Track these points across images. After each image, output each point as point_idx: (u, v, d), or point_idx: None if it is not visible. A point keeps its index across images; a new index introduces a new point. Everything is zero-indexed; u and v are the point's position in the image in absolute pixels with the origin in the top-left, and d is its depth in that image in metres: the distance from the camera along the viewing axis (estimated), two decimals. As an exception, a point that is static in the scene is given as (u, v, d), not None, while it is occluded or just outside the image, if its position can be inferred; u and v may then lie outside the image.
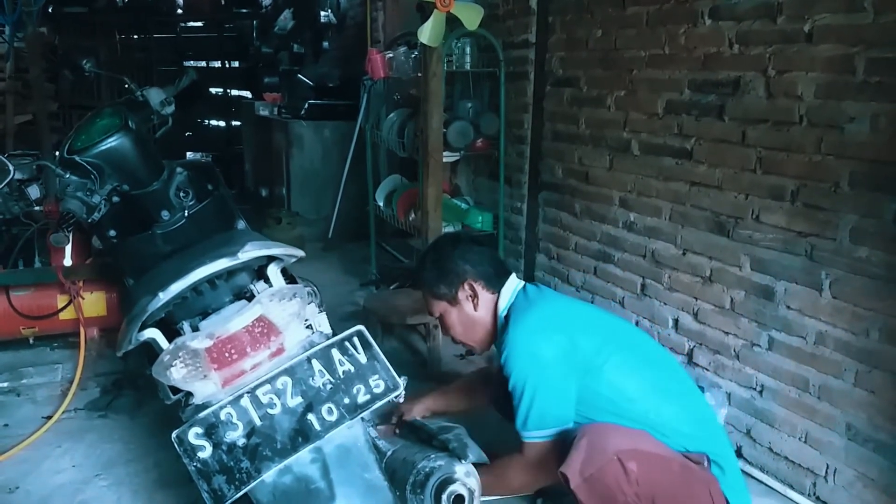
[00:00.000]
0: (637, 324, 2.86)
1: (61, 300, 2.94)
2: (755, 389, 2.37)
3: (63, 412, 2.66)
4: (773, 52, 2.20)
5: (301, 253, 1.78)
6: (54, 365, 3.10)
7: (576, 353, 1.87)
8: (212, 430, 1.50)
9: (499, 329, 2.03)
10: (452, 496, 1.40)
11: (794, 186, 2.17)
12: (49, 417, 2.64)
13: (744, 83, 2.30)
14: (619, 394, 1.87)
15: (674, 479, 1.77)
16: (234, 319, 1.58)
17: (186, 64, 8.97)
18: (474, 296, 2.03)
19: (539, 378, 1.85)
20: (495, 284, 2.05)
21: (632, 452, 1.70)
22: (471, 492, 1.41)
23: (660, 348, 2.23)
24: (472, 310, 2.04)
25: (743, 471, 2.34)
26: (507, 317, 2.00)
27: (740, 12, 2.31)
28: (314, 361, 1.60)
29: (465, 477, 1.41)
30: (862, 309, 2.01)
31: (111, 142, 1.91)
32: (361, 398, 1.60)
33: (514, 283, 2.07)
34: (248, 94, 8.31)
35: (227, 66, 9.26)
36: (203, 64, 9.40)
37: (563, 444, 1.81)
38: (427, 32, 3.07)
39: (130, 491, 2.27)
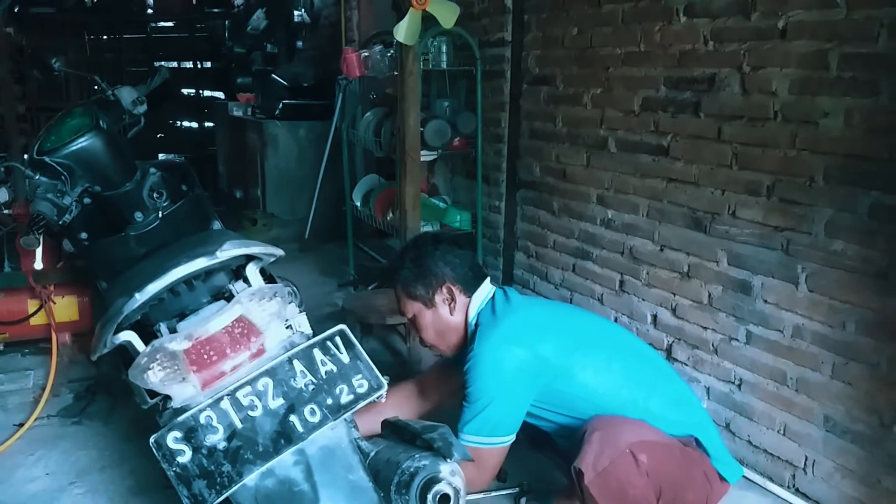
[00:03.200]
0: (616, 320, 2.88)
1: (32, 305, 2.85)
2: (734, 383, 2.39)
3: (35, 419, 2.60)
4: (747, 49, 2.22)
5: (280, 252, 1.75)
6: (26, 371, 3.02)
7: (540, 365, 1.88)
8: (191, 434, 1.47)
9: (469, 336, 2.00)
10: (438, 496, 1.38)
11: (769, 182, 2.19)
12: (21, 425, 2.58)
13: (719, 80, 2.32)
14: (593, 393, 1.89)
15: (677, 466, 1.81)
16: (213, 320, 1.55)
17: (158, 65, 8.85)
18: (451, 300, 2.00)
19: (496, 391, 1.84)
20: (471, 288, 2.03)
21: (642, 444, 1.74)
22: (456, 491, 1.39)
23: (633, 339, 2.24)
24: (448, 314, 2.01)
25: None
26: (475, 326, 1.98)
27: (715, 9, 2.32)
28: (296, 362, 1.57)
29: (451, 476, 1.40)
30: (838, 302, 2.04)
31: (82, 142, 1.87)
32: (345, 398, 1.57)
33: (486, 290, 2.04)
34: (221, 94, 8.22)
35: (200, 66, 9.14)
36: (175, 65, 9.27)
37: (570, 441, 1.83)
38: (403, 30, 3.06)
39: (106, 498, 2.23)
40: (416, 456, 1.44)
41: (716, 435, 2.00)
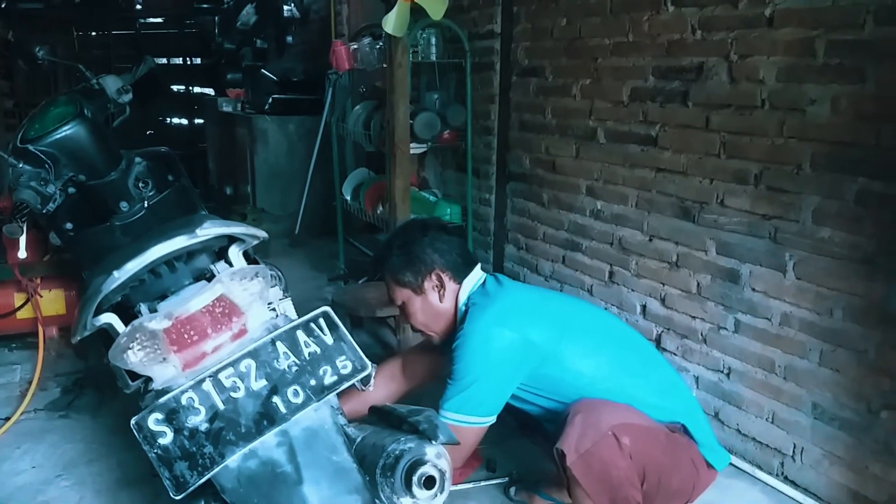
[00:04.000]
0: (606, 310, 2.87)
1: (18, 298, 2.84)
2: (722, 372, 2.40)
3: (22, 413, 2.60)
4: (734, 38, 2.22)
5: (263, 234, 1.74)
6: (12, 366, 3.03)
7: (528, 348, 1.87)
8: (172, 416, 1.46)
9: (458, 320, 2.00)
10: (423, 477, 1.37)
11: (757, 170, 2.20)
12: (7, 419, 2.57)
13: (707, 69, 2.33)
14: (580, 377, 1.89)
15: (662, 450, 1.81)
16: (194, 300, 1.53)
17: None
18: (441, 286, 2.00)
19: (481, 370, 1.84)
20: (461, 275, 2.02)
21: (625, 427, 1.73)
22: (442, 473, 1.39)
23: (623, 326, 2.23)
24: (438, 300, 2.00)
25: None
26: (465, 309, 1.98)
27: (702, -2, 2.33)
28: (279, 343, 1.56)
29: (436, 458, 1.39)
30: (825, 289, 2.05)
31: (66, 130, 1.85)
32: (328, 379, 1.57)
33: (476, 275, 2.04)
34: (210, 91, 8.19)
35: (189, 62, 9.11)
36: (164, 61, 9.24)
37: (554, 423, 1.83)
38: (392, 22, 3.04)
39: (93, 490, 2.22)
40: (402, 439, 1.43)
41: (704, 422, 2.01)
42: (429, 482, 1.38)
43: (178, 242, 1.59)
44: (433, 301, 2.00)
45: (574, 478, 1.69)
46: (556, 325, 1.95)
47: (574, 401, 1.83)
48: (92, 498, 2.18)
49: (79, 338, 1.60)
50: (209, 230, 1.62)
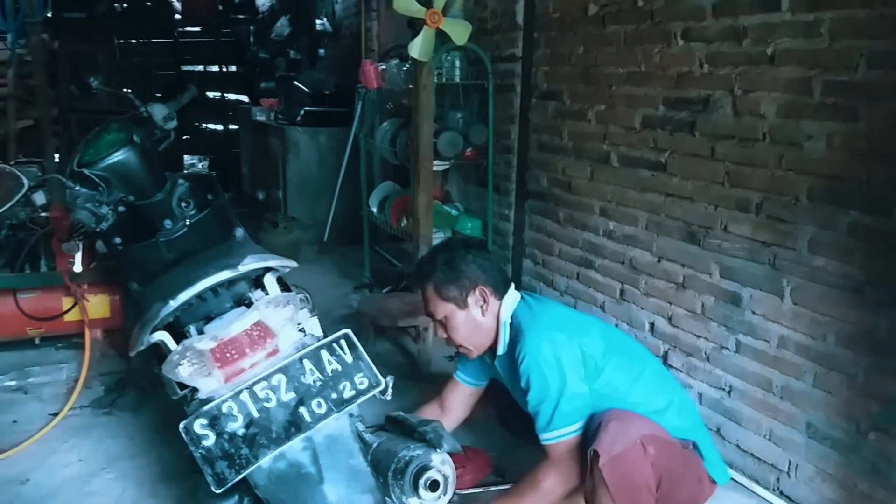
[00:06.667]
0: (616, 327, 3.00)
1: (66, 302, 3.05)
2: (724, 390, 2.52)
3: (69, 409, 2.77)
4: (739, 73, 2.34)
5: (294, 264, 1.94)
6: (59, 364, 3.22)
7: (585, 357, 2.00)
8: (215, 421, 1.66)
9: (504, 337, 2.09)
10: (429, 481, 1.58)
11: (758, 199, 2.31)
12: (55, 414, 2.76)
13: (713, 101, 2.45)
14: (614, 391, 2.02)
15: (677, 463, 1.96)
16: (235, 323, 1.74)
17: (184, 68, 9.09)
18: (484, 301, 2.08)
19: (561, 379, 1.94)
20: (502, 292, 2.12)
21: (651, 437, 1.88)
22: (445, 478, 1.58)
23: (642, 347, 2.36)
24: (481, 315, 2.09)
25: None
26: (515, 327, 2.07)
27: (710, 34, 2.45)
28: (305, 361, 1.76)
29: (441, 465, 1.59)
30: (820, 315, 2.15)
31: (118, 156, 2.03)
32: (347, 393, 1.76)
33: (514, 294, 2.14)
34: (245, 98, 8.44)
35: (225, 70, 9.38)
36: (200, 68, 9.53)
37: (585, 430, 1.95)
38: (417, 48, 3.22)
39: (135, 483, 2.39)
40: (411, 446, 1.62)
41: (709, 440, 2.15)
42: (434, 485, 1.58)
43: (223, 275, 1.80)
44: (476, 316, 2.09)
45: (602, 478, 1.82)
46: (600, 337, 2.08)
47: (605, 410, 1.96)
48: (134, 490, 2.36)
49: (136, 351, 1.80)
50: (249, 265, 1.84)
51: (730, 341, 2.47)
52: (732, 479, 2.45)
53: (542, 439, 1.97)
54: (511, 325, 2.08)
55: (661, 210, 2.73)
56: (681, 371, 2.69)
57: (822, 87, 2.09)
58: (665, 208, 2.71)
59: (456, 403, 2.31)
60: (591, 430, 1.92)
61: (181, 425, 1.62)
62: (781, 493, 2.34)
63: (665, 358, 2.77)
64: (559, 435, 1.95)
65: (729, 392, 2.50)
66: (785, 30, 2.18)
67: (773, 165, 2.25)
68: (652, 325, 2.83)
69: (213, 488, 1.62)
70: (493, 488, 2.32)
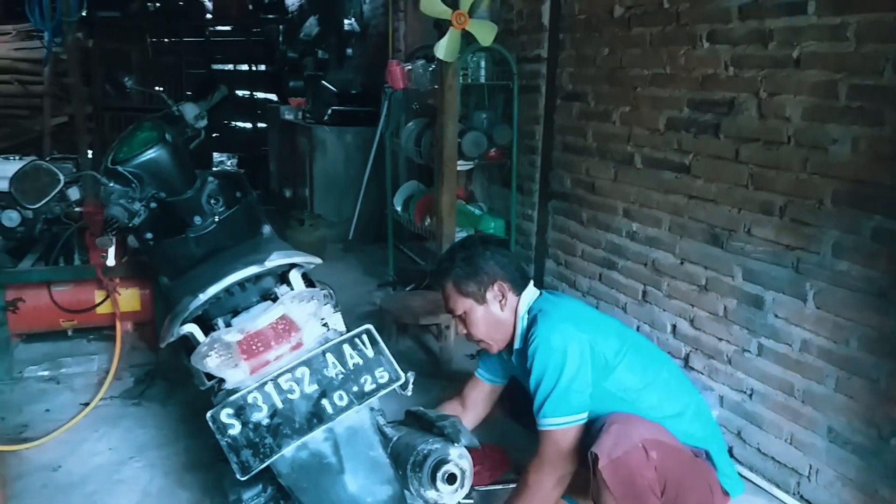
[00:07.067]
0: (638, 329, 3.01)
1: (99, 295, 3.14)
2: (745, 393, 2.51)
3: (100, 399, 2.86)
4: (764, 76, 2.34)
5: (318, 260, 1.98)
6: (91, 356, 3.31)
7: (595, 353, 2.00)
8: (240, 411, 1.71)
9: (521, 331, 2.11)
10: (446, 475, 1.62)
11: (782, 202, 2.31)
12: (86, 404, 2.85)
13: (738, 104, 2.44)
14: (626, 392, 2.02)
15: (684, 469, 1.95)
16: (261, 317, 1.79)
17: (215, 67, 9.22)
18: (502, 297, 2.11)
19: (562, 366, 1.95)
20: (520, 288, 2.14)
21: (654, 442, 1.88)
22: (462, 471, 1.62)
23: (660, 352, 2.37)
24: (499, 310, 2.11)
25: (733, 469, 2.50)
26: (530, 318, 2.09)
27: (735, 37, 2.45)
28: (328, 355, 1.81)
29: (458, 458, 1.63)
30: (842, 319, 2.15)
31: (150, 153, 2.08)
32: (368, 387, 1.80)
33: (533, 290, 2.17)
34: (273, 96, 8.54)
35: (254, 69, 9.51)
36: (231, 67, 9.67)
37: (588, 431, 1.96)
38: (443, 49, 3.25)
39: (162, 472, 2.46)
40: (430, 440, 1.66)
41: (724, 451, 2.13)
42: (451, 478, 1.62)
43: (251, 270, 1.85)
44: (494, 311, 2.12)
45: (603, 480, 1.83)
46: (616, 336, 2.09)
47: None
48: (161, 479, 2.42)
49: (166, 343, 1.86)
50: (276, 261, 1.89)
51: (752, 344, 2.47)
52: (753, 482, 2.46)
53: (541, 423, 1.97)
54: (528, 318, 2.10)
55: (684, 212, 2.73)
56: (702, 374, 2.69)
57: (847, 91, 2.08)
58: (688, 210, 2.71)
59: (477, 400, 2.33)
60: (593, 433, 1.92)
61: (208, 414, 1.68)
62: (802, 497, 2.33)
63: (686, 360, 2.77)
64: (550, 423, 1.95)
65: (750, 395, 2.49)
66: (811, 33, 2.18)
67: (797, 169, 2.25)
68: (674, 327, 2.83)
69: (238, 476, 1.67)
70: (511, 486, 2.34)
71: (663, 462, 1.87)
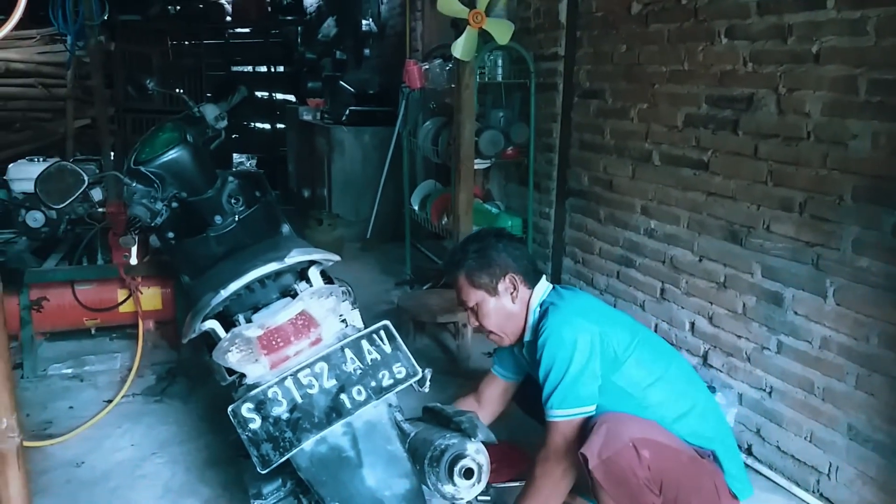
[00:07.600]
0: (656, 327, 3.00)
1: (121, 294, 3.18)
2: (765, 391, 2.50)
3: (122, 396, 2.91)
4: (783, 71, 2.33)
5: (337, 257, 2.00)
6: (114, 354, 3.37)
7: (605, 346, 1.99)
8: (261, 406, 1.73)
9: (532, 323, 2.11)
10: (463, 469, 1.64)
11: (801, 199, 2.29)
12: (109, 401, 2.89)
13: (756, 100, 2.43)
14: (634, 387, 2.01)
15: (682, 469, 1.92)
16: (281, 313, 1.82)
17: (234, 69, 9.31)
18: (514, 289, 2.11)
19: (571, 358, 1.94)
20: (532, 281, 2.15)
21: (645, 441, 1.86)
22: (479, 466, 1.64)
23: (673, 350, 2.36)
24: (511, 303, 2.12)
25: (752, 468, 2.49)
26: (541, 311, 2.09)
27: (754, 32, 2.43)
28: (347, 350, 1.83)
29: (476, 454, 1.65)
30: (863, 316, 2.13)
31: (172, 154, 2.11)
32: (386, 382, 1.82)
33: (545, 284, 2.17)
34: (292, 97, 8.61)
35: (273, 70, 9.58)
36: (250, 68, 9.76)
37: (582, 430, 1.95)
38: (460, 48, 3.26)
39: (184, 468, 2.50)
40: (447, 435, 1.68)
41: (735, 452, 2.10)
42: (468, 473, 1.64)
43: (271, 267, 1.87)
44: (506, 303, 2.12)
45: (596, 480, 1.84)
46: (628, 330, 2.08)
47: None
48: (182, 474, 2.46)
49: (188, 339, 1.89)
50: (295, 258, 1.91)
51: (771, 342, 2.45)
52: (772, 480, 2.44)
53: (549, 414, 1.97)
54: (539, 311, 2.10)
55: (702, 209, 2.72)
56: (721, 371, 2.68)
57: (867, 86, 2.06)
58: (707, 207, 2.70)
59: (493, 397, 2.34)
60: (584, 432, 1.91)
61: (230, 409, 1.70)
62: (821, 495, 2.31)
63: (705, 358, 2.76)
64: (557, 415, 1.95)
65: (770, 393, 2.48)
66: (830, 28, 2.16)
67: (817, 164, 2.23)
68: (692, 324, 2.82)
69: (258, 469, 1.69)
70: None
71: (657, 461, 1.85)
